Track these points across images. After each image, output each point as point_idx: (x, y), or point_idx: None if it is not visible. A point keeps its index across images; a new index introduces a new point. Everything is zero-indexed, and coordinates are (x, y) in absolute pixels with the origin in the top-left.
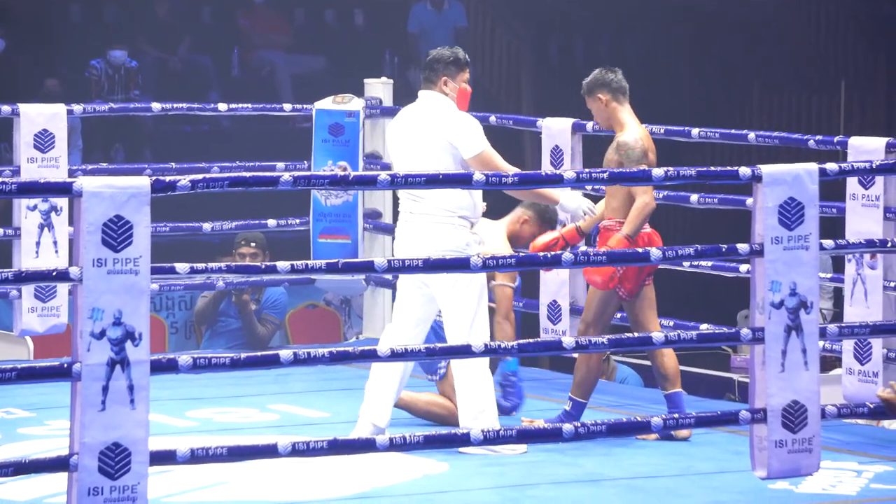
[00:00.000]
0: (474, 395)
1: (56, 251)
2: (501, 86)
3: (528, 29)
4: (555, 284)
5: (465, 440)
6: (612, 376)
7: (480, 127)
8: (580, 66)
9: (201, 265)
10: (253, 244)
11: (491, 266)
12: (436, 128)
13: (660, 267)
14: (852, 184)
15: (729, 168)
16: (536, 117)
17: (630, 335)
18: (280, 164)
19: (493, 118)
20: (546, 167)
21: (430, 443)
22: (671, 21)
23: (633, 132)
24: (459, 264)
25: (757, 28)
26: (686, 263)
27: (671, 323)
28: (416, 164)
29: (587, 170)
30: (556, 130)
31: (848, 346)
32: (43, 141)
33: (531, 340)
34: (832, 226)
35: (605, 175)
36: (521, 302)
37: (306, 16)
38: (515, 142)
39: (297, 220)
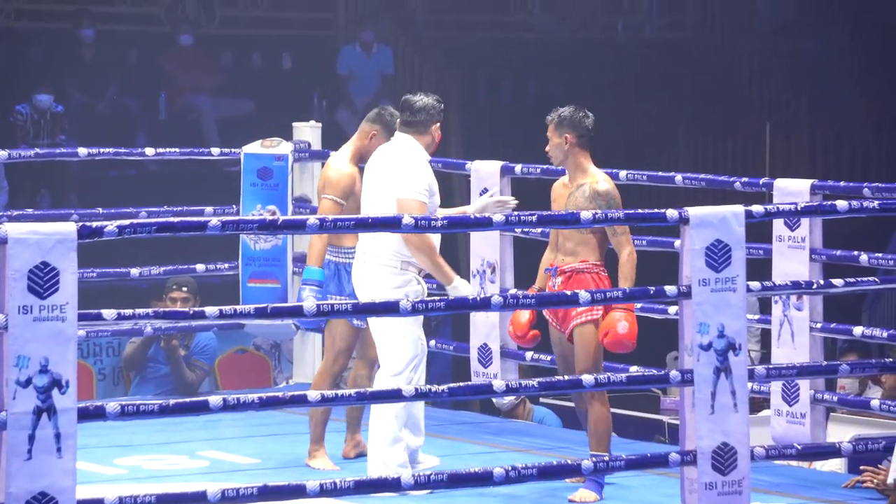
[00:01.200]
0: (382, 434)
1: None
2: None
3: (455, 72)
4: (485, 328)
5: (396, 485)
6: (528, 417)
7: (426, 178)
8: (507, 109)
9: (128, 311)
10: (184, 288)
11: (420, 310)
12: (391, 172)
13: None
14: (778, 225)
15: (656, 210)
16: (465, 160)
17: (560, 378)
18: (208, 209)
19: None
20: None
21: (360, 488)
22: (597, 65)
23: (605, 180)
24: (388, 308)
25: (681, 71)
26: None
27: None
28: (374, 206)
29: (515, 213)
30: (484, 173)
31: (776, 387)
32: None
33: (462, 384)
34: (759, 267)
35: (534, 218)
36: (452, 345)
37: (234, 59)
38: (445, 185)
39: (227, 265)
